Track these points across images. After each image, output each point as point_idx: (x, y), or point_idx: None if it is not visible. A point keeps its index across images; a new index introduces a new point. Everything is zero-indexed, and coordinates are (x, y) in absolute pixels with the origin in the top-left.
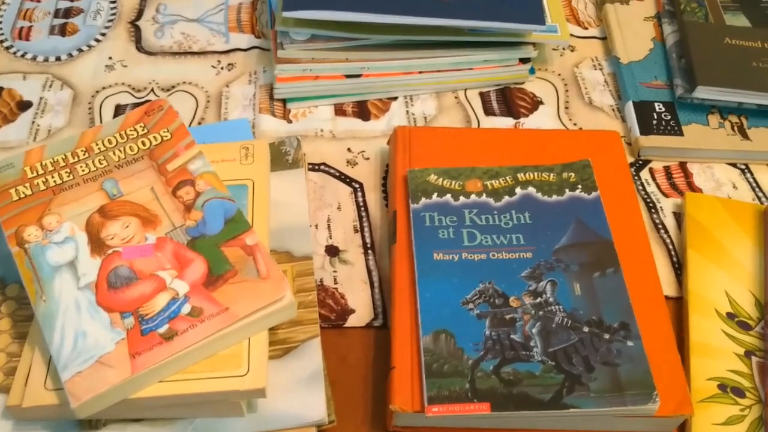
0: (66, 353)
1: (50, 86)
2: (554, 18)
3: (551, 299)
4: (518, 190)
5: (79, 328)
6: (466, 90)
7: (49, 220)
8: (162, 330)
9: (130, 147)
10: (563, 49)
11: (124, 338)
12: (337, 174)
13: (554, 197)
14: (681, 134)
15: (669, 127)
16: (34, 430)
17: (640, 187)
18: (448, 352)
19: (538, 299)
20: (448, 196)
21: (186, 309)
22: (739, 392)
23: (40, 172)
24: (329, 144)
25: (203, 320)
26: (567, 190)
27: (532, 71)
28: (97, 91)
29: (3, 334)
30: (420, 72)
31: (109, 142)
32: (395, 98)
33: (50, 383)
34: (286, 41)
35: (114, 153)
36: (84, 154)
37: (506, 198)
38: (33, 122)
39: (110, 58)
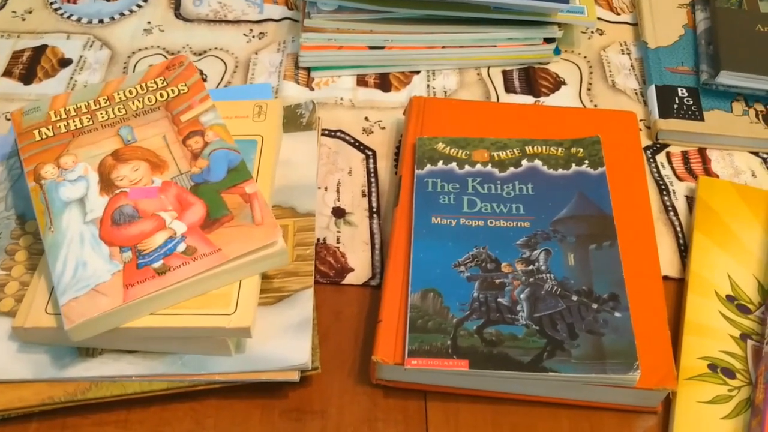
0: (66, 280)
1: (90, 46)
2: (582, 0)
3: (543, 267)
4: (524, 162)
5: (80, 258)
6: (489, 67)
7: (65, 160)
8: (156, 265)
9: (148, 98)
10: (592, 32)
11: (120, 270)
12: (352, 141)
13: (560, 171)
14: (701, 119)
15: (690, 112)
16: (36, 354)
17: (654, 170)
18: (434, 309)
19: (530, 267)
20: (454, 164)
21: (181, 247)
22: (729, 373)
23: (63, 116)
24: (347, 112)
25: (196, 258)
26: (573, 165)
27: (557, 52)
28: (134, 52)
29: (18, 265)
30: (443, 47)
31: (130, 92)
32: (417, 72)
33: (51, 308)
34: (313, 11)
35: (133, 103)
36: (105, 102)
37: (511, 169)
38: (71, 78)
39: (149, 22)
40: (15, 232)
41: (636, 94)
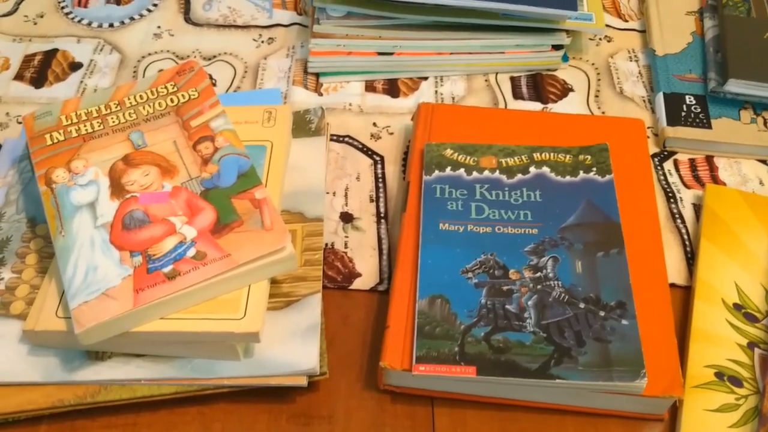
0: (76, 284)
1: (101, 50)
2: (591, 7)
3: (551, 274)
4: (532, 169)
5: (91, 262)
6: (497, 74)
7: (76, 164)
8: (166, 270)
9: (159, 103)
10: (600, 39)
11: (131, 275)
12: (360, 146)
13: (567, 178)
14: (709, 127)
15: (698, 120)
16: (46, 357)
17: (662, 177)
18: (441, 316)
19: (538, 274)
20: (462, 170)
21: (191, 252)
22: (736, 381)
23: (74, 120)
24: (356, 118)
25: (206, 263)
26: (581, 172)
27: (565, 59)
28: (143, 57)
29: (28, 268)
30: (452, 53)
31: (141, 97)
32: (425, 78)
33: (61, 312)
34: (322, 17)
35: (144, 108)
36: (116, 107)
37: (519, 176)
38: (81, 82)
39: (159, 27)
40: (26, 235)
41: (644, 101)
